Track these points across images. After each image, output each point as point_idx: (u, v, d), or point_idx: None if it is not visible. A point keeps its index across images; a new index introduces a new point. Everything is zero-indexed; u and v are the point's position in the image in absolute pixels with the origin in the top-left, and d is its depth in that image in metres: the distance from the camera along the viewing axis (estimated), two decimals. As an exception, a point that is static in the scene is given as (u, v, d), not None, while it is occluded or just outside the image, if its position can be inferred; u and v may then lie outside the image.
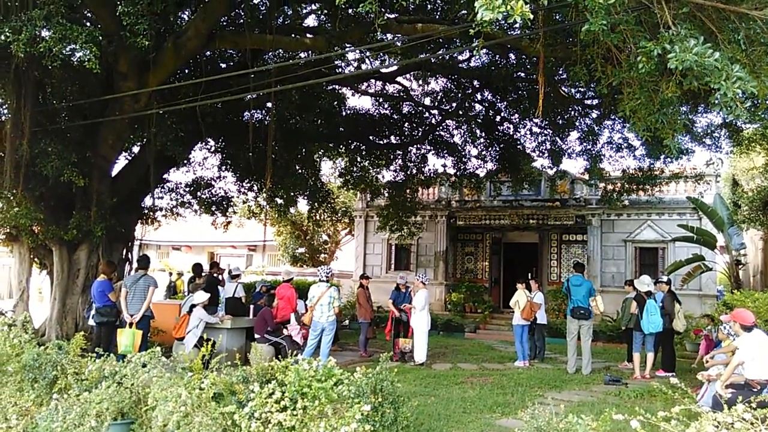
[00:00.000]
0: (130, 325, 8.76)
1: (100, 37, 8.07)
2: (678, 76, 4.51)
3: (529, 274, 18.33)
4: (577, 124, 14.29)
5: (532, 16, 3.41)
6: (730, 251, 14.55)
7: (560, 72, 11.10)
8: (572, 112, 14.02)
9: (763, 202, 15.42)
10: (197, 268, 12.77)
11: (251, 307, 11.34)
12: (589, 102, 13.66)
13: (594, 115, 13.99)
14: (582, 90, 12.92)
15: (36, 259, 12.17)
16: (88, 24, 9.29)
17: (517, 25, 8.48)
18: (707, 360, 7.39)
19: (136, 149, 13.77)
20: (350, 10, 10.63)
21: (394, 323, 11.85)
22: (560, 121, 14.06)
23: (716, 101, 4.14)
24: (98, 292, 9.30)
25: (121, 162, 12.67)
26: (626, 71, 5.04)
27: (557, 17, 7.18)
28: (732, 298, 9.66)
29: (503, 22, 8.10)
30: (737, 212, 17.95)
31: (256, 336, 10.19)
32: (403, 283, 12.05)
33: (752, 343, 5.82)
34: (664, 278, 11.14)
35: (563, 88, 12.38)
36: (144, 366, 5.74)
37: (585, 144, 14.30)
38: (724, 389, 5.73)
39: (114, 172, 11.81)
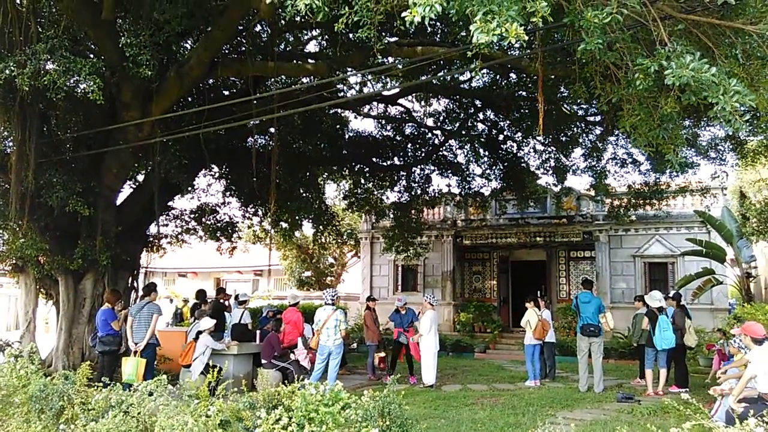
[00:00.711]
0: (135, 353, 8.73)
1: (104, 69, 8.19)
2: (676, 92, 4.52)
3: (539, 292, 18.25)
4: (580, 140, 14.31)
5: (526, 38, 3.43)
6: (740, 264, 14.43)
7: (561, 90, 11.15)
8: (575, 129, 14.05)
9: (772, 214, 15.33)
10: (201, 294, 12.74)
11: (258, 332, 11.29)
12: (591, 118, 13.70)
13: (597, 131, 14.02)
14: (584, 107, 12.97)
15: (42, 290, 12.18)
16: (92, 56, 9.41)
17: (515, 45, 8.55)
18: (719, 375, 7.29)
19: (140, 177, 13.87)
20: (350, 35, 10.75)
21: (395, 345, 11.82)
22: (563, 138, 14.08)
23: (715, 115, 4.14)
24: (101, 321, 9.31)
25: (126, 191, 12.76)
26: (625, 88, 5.06)
27: (555, 36, 7.23)
28: (743, 311, 9.54)
29: (501, 43, 8.17)
30: (746, 225, 17.81)
31: (263, 361, 10.13)
32: (402, 305, 11.98)
33: (764, 356, 5.74)
34: (672, 293, 11.05)
35: (565, 106, 12.42)
36: (150, 394, 5.70)
37: (589, 160, 14.30)
38: (737, 403, 5.64)
39: (119, 201, 11.87)
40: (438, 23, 11.58)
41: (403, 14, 3.54)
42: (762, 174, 19.11)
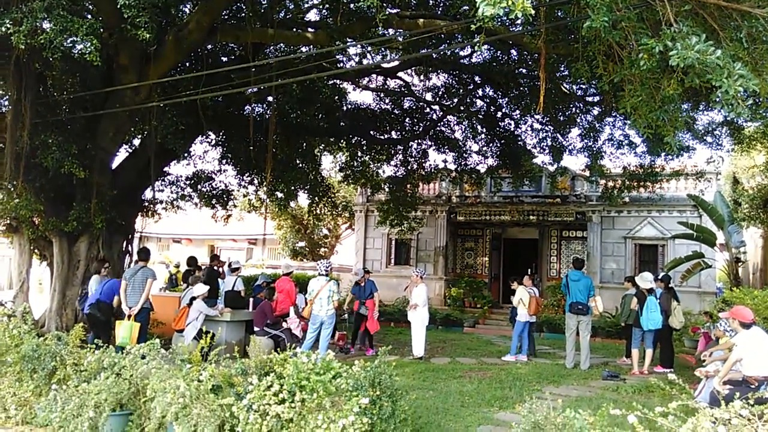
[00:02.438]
0: (129, 317, 8.78)
1: (101, 30, 8.06)
2: (679, 74, 4.51)
3: (529, 270, 18.39)
4: (578, 120, 14.27)
5: (533, 12, 3.41)
6: (729, 249, 14.55)
7: (562, 68, 11.08)
8: (573, 109, 13.99)
9: (764, 201, 15.43)
10: (192, 261, 12.76)
11: (251, 300, 11.36)
12: (590, 99, 13.65)
13: (595, 112, 13.98)
14: (583, 87, 12.91)
15: (36, 251, 12.19)
16: (89, 16, 9.26)
17: (518, 22, 8.46)
18: (705, 356, 7.41)
19: (136, 142, 13.77)
20: (352, 5, 10.62)
21: (356, 317, 11.98)
22: (561, 118, 14.04)
23: (717, 99, 4.14)
24: (109, 289, 9.34)
25: (122, 154, 12.67)
26: (628, 68, 5.03)
27: (559, 14, 7.17)
28: (731, 295, 9.67)
29: (504, 18, 8.08)
30: (737, 210, 17.95)
31: (255, 329, 10.22)
32: (361, 277, 12.12)
33: (751, 340, 5.84)
34: (661, 275, 11.16)
35: (564, 85, 12.36)
36: (143, 357, 5.77)
37: (586, 141, 14.29)
38: (722, 385, 5.74)
39: (114, 165, 11.79)
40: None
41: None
42: (756, 160, 19.18)
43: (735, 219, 15.47)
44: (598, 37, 4.94)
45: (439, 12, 11.39)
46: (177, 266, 18.92)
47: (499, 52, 13.24)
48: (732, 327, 6.41)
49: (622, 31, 4.56)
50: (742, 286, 12.99)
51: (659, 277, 11.13)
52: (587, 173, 16.70)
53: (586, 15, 4.24)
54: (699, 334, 11.29)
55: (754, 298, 7.82)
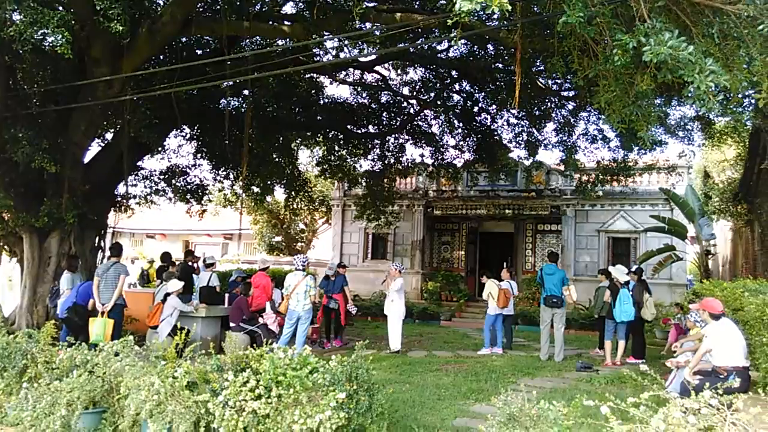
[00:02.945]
0: (102, 314, 8.65)
1: (73, 22, 7.91)
2: (652, 69, 4.57)
3: (505, 263, 18.51)
4: (553, 115, 14.42)
5: (510, 7, 3.42)
6: (700, 241, 14.83)
7: (537, 63, 11.17)
8: (549, 104, 14.13)
9: (734, 194, 15.74)
10: (166, 256, 12.62)
11: (226, 295, 11.27)
12: (565, 93, 13.78)
13: (570, 107, 14.13)
14: (559, 81, 13.03)
15: (6, 247, 11.94)
16: (61, 8, 9.06)
17: (495, 16, 8.48)
18: (676, 347, 7.54)
19: (109, 136, 13.56)
20: (328, -2, 10.56)
21: (325, 311, 12.00)
22: (537, 113, 14.16)
23: (689, 94, 4.20)
24: (84, 291, 9.18)
25: (94, 148, 12.48)
26: (602, 63, 5.09)
27: (535, 8, 7.21)
28: (702, 287, 9.86)
29: (481, 12, 8.11)
30: (708, 203, 18.30)
31: (231, 324, 10.15)
32: (332, 274, 12.15)
33: (720, 331, 5.95)
34: (634, 268, 11.33)
35: (540, 80, 12.47)
36: (116, 355, 5.69)
37: (561, 135, 14.45)
38: (692, 376, 5.86)
39: (87, 159, 11.60)
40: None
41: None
42: (727, 154, 19.55)
43: (705, 212, 15.76)
44: (574, 33, 4.99)
45: (416, 6, 11.38)
46: (150, 262, 18.71)
47: (475, 46, 13.29)
48: (702, 318, 6.54)
49: (597, 26, 4.61)
50: (712, 278, 13.27)
51: (632, 269, 11.30)
52: (562, 167, 16.90)
53: (561, 11, 4.28)
54: (670, 326, 11.49)
55: (723, 290, 7.97)
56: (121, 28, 7.93)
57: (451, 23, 4.30)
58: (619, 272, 10.28)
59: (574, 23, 4.20)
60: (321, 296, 11.84)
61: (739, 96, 6.31)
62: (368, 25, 11.09)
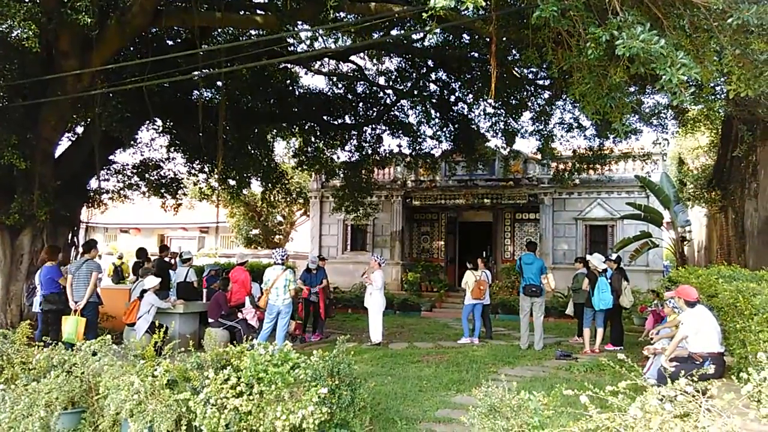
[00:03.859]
0: (75, 312, 8.53)
1: (40, 14, 7.72)
2: (625, 62, 4.61)
3: (483, 253, 18.65)
4: (529, 104, 14.48)
5: (484, 4, 3.41)
6: (675, 228, 15.06)
7: (513, 53, 11.18)
8: (525, 93, 14.17)
9: (708, 180, 15.98)
10: (142, 252, 12.47)
11: (204, 291, 11.17)
12: (541, 82, 13.84)
13: (546, 96, 14.20)
14: (534, 71, 13.07)
15: (-24, 245, 11.66)
16: (26, 0, 8.84)
17: (470, 9, 8.44)
18: (653, 335, 7.67)
19: (79, 130, 13.29)
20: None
21: (305, 304, 12.03)
22: (513, 102, 14.20)
23: (662, 86, 4.24)
24: (46, 279, 9.00)
25: (65, 143, 12.22)
26: (576, 56, 5.12)
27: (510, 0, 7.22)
28: (677, 274, 10.02)
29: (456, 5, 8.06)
30: (683, 190, 18.57)
31: (210, 320, 10.07)
32: (314, 267, 12.15)
33: (695, 318, 6.06)
34: (613, 256, 11.47)
35: (516, 69, 12.49)
36: (94, 354, 5.61)
37: (537, 124, 14.54)
38: (669, 362, 5.96)
39: (57, 154, 11.37)
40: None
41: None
42: (701, 141, 19.85)
43: (681, 199, 16.00)
44: (548, 25, 5.00)
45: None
46: (120, 257, 18.46)
47: (451, 36, 13.26)
48: (678, 305, 6.65)
49: (570, 19, 4.62)
50: (688, 264, 13.50)
51: (610, 257, 11.43)
52: (539, 156, 17.01)
53: (535, 4, 4.28)
54: (647, 313, 11.68)
55: (698, 277, 8.11)
56: (89, 20, 7.76)
57: (427, 15, 4.28)
58: (596, 260, 10.40)
59: (547, 16, 4.20)
60: (300, 291, 11.80)
61: (711, 86, 6.39)
62: (342, 14, 10.97)
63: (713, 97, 7.93)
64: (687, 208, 17.07)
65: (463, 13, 9.02)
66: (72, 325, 8.30)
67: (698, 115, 12.74)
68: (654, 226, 15.62)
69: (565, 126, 14.26)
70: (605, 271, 10.28)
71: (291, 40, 13.49)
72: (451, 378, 7.86)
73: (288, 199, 21.52)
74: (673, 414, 3.49)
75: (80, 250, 11.21)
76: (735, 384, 4.40)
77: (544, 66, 7.73)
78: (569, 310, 12.01)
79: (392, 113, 16.31)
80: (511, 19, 7.63)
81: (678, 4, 4.52)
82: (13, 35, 9.17)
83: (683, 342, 6.15)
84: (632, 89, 9.82)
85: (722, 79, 5.97)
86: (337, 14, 10.80)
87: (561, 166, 16.52)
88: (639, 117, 12.34)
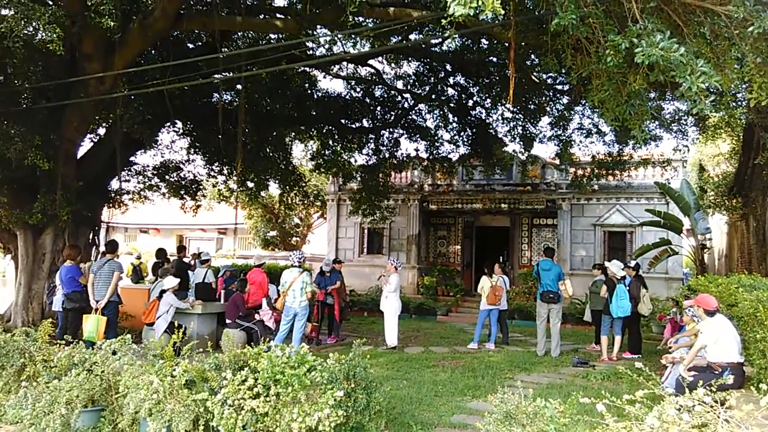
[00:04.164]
0: (96, 311, 8.66)
1: (64, 18, 7.86)
2: (645, 70, 4.58)
3: (500, 258, 18.59)
4: (548, 109, 14.43)
5: (503, 12, 3.43)
6: (695, 235, 14.89)
7: (532, 57, 11.15)
8: (543, 98, 14.12)
9: (729, 188, 15.78)
10: (161, 253, 12.60)
11: (222, 291, 11.27)
12: (560, 87, 13.79)
13: (565, 100, 14.14)
14: (553, 76, 13.02)
15: (0, 244, 11.90)
16: (51, 4, 9.01)
17: (489, 15, 8.44)
18: (671, 344, 7.60)
19: (101, 131, 13.50)
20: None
21: (320, 306, 12.02)
22: (531, 106, 14.17)
23: (682, 94, 4.22)
24: (67, 278, 9.14)
25: (87, 144, 12.42)
26: (595, 63, 5.10)
27: (528, 5, 7.20)
28: (696, 282, 9.92)
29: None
30: (703, 197, 18.35)
31: (227, 321, 10.16)
32: (328, 270, 12.19)
33: (714, 327, 6.00)
34: (632, 263, 11.39)
35: (534, 74, 12.46)
36: (114, 353, 5.69)
37: (556, 129, 14.47)
38: (687, 372, 5.91)
39: (79, 155, 11.56)
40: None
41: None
42: (721, 148, 19.61)
43: (701, 206, 15.81)
44: (567, 31, 5.00)
45: (409, 0, 11.34)
46: (139, 257, 18.65)
47: (469, 41, 13.27)
48: (697, 314, 6.59)
49: (589, 26, 4.61)
50: (708, 272, 13.34)
51: (629, 264, 11.33)
52: (557, 161, 16.93)
53: (554, 11, 4.28)
54: (666, 321, 11.55)
55: (718, 285, 8.02)
56: (112, 23, 7.91)
57: (445, 23, 4.30)
58: (615, 267, 10.32)
59: (566, 24, 4.21)
60: (314, 294, 11.85)
61: (732, 93, 6.33)
62: (361, 18, 11.03)
63: (734, 104, 7.85)
64: (707, 216, 16.86)
65: (481, 19, 9.04)
66: (93, 324, 8.42)
67: (719, 122, 12.61)
68: (674, 234, 15.45)
69: (584, 131, 14.19)
70: (624, 278, 10.20)
71: (310, 44, 13.59)
72: (466, 383, 7.85)
73: (305, 202, 21.63)
74: (690, 424, 3.47)
75: (101, 249, 11.40)
76: (755, 395, 4.35)
77: (563, 71, 7.70)
78: (587, 316, 11.93)
79: (410, 117, 16.35)
80: (530, 25, 7.63)
81: (698, 11, 4.49)
82: (37, 38, 9.34)
83: (702, 351, 6.09)
84: (652, 95, 9.75)
85: (744, 86, 5.91)
86: (356, 18, 10.86)
87: (579, 172, 16.42)
88: (659, 123, 12.24)
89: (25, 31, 7.94)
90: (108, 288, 8.85)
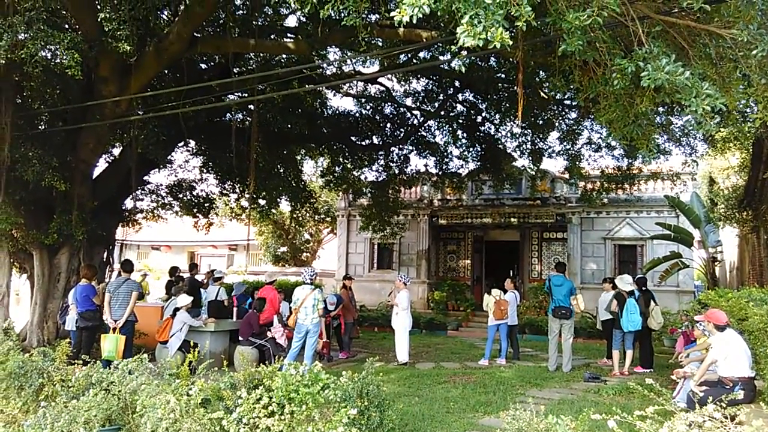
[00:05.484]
0: (114, 330, 8.76)
1: (82, 43, 8.06)
2: (651, 92, 4.67)
3: (510, 272, 18.58)
4: (556, 123, 14.51)
5: (511, 42, 3.53)
6: (706, 248, 14.85)
7: (540, 74, 11.25)
8: (552, 113, 14.22)
9: (739, 200, 15.75)
10: (174, 270, 12.74)
11: (234, 309, 11.37)
12: (568, 102, 13.87)
13: (573, 115, 14.22)
14: (561, 91, 13.10)
15: (16, 264, 12.07)
16: (69, 29, 9.23)
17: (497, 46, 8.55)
18: (683, 358, 7.60)
19: (116, 151, 13.71)
20: (332, 14, 10.66)
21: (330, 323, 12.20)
22: (540, 122, 14.25)
23: (688, 115, 4.30)
24: (82, 297, 9.26)
25: (102, 165, 12.62)
26: (602, 84, 5.20)
27: (536, 25, 7.30)
28: (706, 296, 9.90)
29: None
30: (714, 210, 18.31)
31: (240, 338, 10.23)
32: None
33: (725, 342, 6.02)
34: (637, 278, 11.36)
35: (543, 90, 12.56)
36: (131, 373, 5.79)
37: (564, 143, 14.55)
38: (698, 386, 5.92)
39: (94, 175, 11.75)
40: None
41: (392, 14, 3.62)
42: (731, 161, 19.59)
43: (711, 219, 15.78)
44: (574, 55, 5.10)
45: (418, 21, 11.48)
46: (144, 276, 18.75)
47: (478, 59, 13.39)
48: (707, 329, 6.61)
49: (596, 50, 4.71)
50: (720, 285, 13.28)
51: (635, 279, 11.32)
52: (566, 175, 16.97)
53: (561, 36, 4.39)
54: (678, 334, 11.51)
55: (728, 300, 8.02)
56: (128, 47, 8.09)
57: (455, 49, 4.41)
58: (623, 282, 10.33)
59: (573, 50, 4.31)
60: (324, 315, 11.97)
61: (738, 111, 6.39)
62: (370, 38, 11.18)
63: (741, 120, 7.91)
64: (718, 228, 16.80)
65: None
66: (112, 343, 8.52)
67: (728, 136, 12.63)
68: (684, 247, 15.42)
69: (593, 146, 14.26)
70: (632, 292, 10.20)
71: (320, 63, 13.77)
72: (478, 400, 7.87)
73: (316, 218, 21.77)
74: (701, 441, 3.51)
75: (115, 268, 11.54)
76: (765, 410, 4.38)
77: (571, 89, 7.79)
78: (599, 324, 11.90)
79: (419, 134, 16.48)
80: (538, 43, 7.74)
81: (703, 34, 4.58)
82: (55, 62, 9.56)
83: (713, 366, 6.11)
84: (661, 109, 9.80)
85: (750, 104, 5.98)
86: (366, 39, 11.01)
87: (589, 186, 16.45)
88: (668, 137, 12.28)
89: (43, 54, 8.13)
90: (126, 308, 8.95)
